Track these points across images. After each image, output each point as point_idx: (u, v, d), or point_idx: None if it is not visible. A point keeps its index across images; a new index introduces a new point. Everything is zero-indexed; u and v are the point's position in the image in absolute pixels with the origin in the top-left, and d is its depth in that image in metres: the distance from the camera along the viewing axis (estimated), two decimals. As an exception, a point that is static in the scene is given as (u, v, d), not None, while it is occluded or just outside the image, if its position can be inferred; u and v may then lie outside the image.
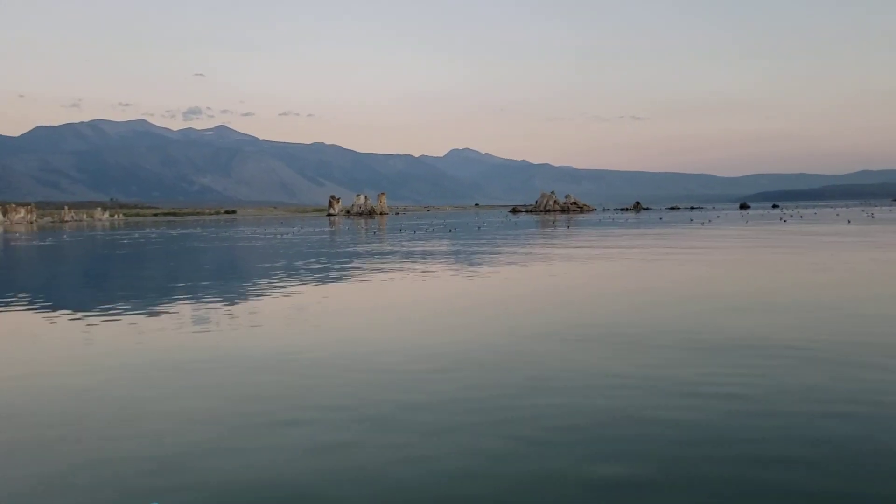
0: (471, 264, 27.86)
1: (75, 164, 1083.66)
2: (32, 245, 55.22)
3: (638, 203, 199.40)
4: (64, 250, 47.18)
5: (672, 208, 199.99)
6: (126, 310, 16.23)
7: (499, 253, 34.09)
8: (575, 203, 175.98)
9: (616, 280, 21.50)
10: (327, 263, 29.40)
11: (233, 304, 17.03)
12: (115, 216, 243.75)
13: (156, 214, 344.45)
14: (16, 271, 31.96)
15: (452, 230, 67.88)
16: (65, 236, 72.66)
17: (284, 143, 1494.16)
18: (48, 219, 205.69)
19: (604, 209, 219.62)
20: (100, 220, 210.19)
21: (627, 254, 31.80)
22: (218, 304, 16.94)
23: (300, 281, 22.27)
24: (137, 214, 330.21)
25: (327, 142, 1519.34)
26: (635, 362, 10.01)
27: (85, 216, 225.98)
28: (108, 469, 6.38)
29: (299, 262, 30.38)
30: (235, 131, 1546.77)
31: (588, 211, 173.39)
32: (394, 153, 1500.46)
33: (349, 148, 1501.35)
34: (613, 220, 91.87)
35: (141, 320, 14.70)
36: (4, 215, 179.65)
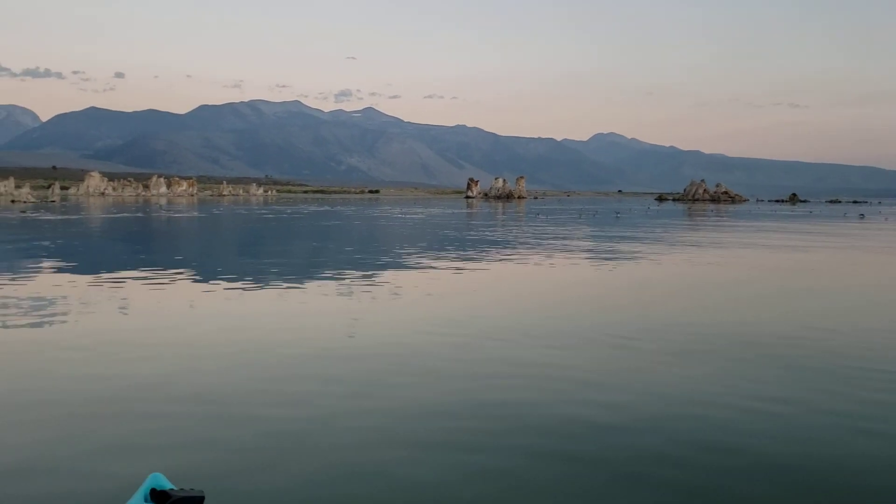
0: (602, 254, 26.11)
1: (234, 142, 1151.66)
2: (183, 216, 58.24)
3: (794, 195, 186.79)
4: (209, 222, 49.29)
5: (832, 201, 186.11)
6: (230, 280, 16.01)
7: (635, 244, 32.00)
8: (726, 193, 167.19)
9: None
10: (455, 247, 28.57)
11: (340, 282, 16.42)
12: (269, 192, 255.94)
13: (305, 192, 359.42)
14: (147, 240, 33.35)
15: (581, 216, 65.67)
16: (218, 210, 76.36)
17: (427, 125, 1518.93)
18: (208, 192, 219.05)
19: (757, 200, 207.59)
20: (254, 195, 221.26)
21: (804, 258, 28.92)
22: (325, 283, 16.39)
23: (423, 262, 21.48)
24: (289, 191, 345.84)
25: (469, 124, 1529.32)
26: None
27: (241, 191, 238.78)
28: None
29: (428, 244, 29.76)
30: (382, 113, 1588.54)
31: (740, 202, 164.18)
32: (535, 136, 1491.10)
33: (490, 130, 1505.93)
34: (774, 212, 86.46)
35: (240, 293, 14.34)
36: (169, 188, 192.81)
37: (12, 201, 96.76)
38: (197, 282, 16.87)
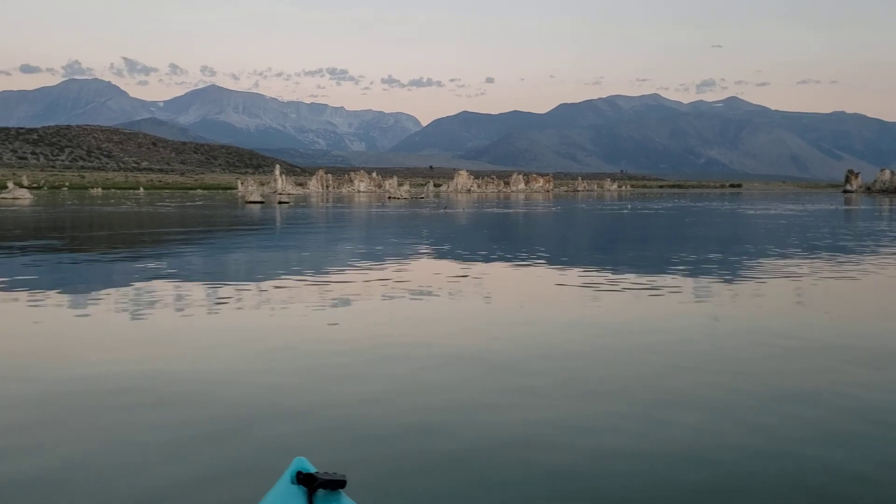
0: None
1: (591, 138, 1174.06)
2: (534, 212, 59.83)
3: None
4: (556, 218, 49.79)
5: None
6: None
7: None
8: None
9: None
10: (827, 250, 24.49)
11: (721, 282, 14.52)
12: (623, 187, 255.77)
13: (661, 186, 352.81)
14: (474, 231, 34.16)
15: None
16: (558, 207, 77.34)
17: (799, 113, 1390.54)
18: (563, 188, 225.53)
19: None
20: (608, 190, 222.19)
21: None
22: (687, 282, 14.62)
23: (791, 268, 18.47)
24: (644, 186, 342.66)
25: (849, 110, 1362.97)
26: None
27: (595, 186, 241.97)
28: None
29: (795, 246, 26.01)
30: (747, 102, 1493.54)
31: None
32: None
33: (874, 116, 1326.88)
34: None
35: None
36: (526, 184, 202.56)
37: (389, 198, 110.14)
38: (551, 269, 16.88)
